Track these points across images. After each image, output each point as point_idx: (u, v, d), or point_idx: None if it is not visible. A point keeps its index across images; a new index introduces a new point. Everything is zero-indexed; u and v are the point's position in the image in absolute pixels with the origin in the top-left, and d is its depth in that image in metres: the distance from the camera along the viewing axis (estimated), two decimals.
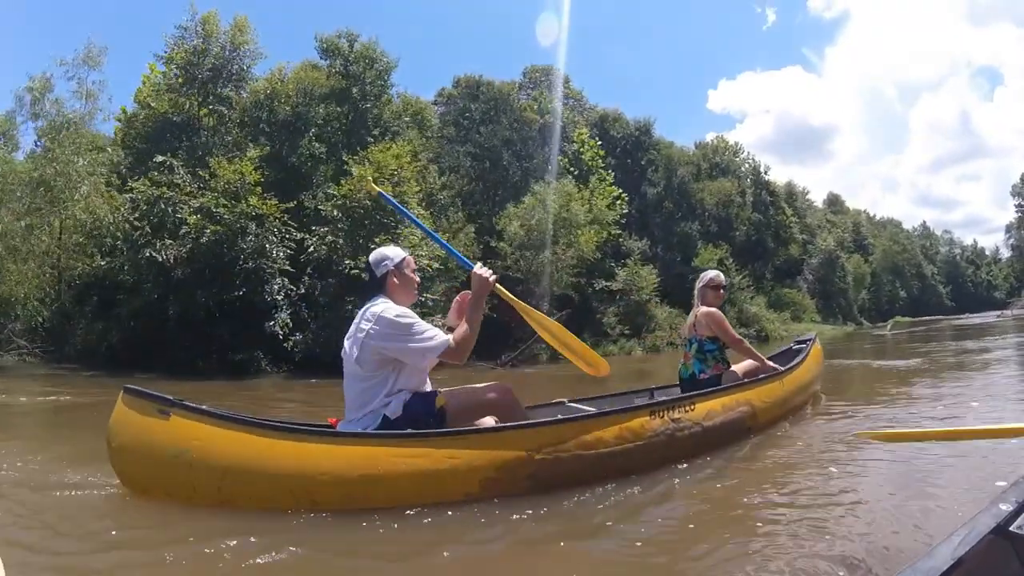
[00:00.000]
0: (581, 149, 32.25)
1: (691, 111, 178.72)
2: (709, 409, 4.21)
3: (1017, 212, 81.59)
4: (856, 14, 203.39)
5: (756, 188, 45.88)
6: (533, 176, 28.39)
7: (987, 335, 19.87)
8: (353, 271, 15.80)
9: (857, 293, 63.03)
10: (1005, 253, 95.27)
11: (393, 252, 3.50)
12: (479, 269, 3.55)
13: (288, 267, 16.76)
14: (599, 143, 33.19)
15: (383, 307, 3.28)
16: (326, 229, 17.20)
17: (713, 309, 5.09)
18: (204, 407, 3.14)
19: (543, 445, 3.33)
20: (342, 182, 17.52)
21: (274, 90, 21.81)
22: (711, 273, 5.33)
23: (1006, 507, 1.47)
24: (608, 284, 26.75)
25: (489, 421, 3.50)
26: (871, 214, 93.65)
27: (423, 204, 20.56)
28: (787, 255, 46.14)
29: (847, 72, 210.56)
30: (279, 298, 16.54)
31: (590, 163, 31.65)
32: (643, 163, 38.09)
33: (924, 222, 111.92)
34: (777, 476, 3.66)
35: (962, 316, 56.37)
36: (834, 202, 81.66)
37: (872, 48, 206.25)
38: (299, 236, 17.28)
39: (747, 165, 47.52)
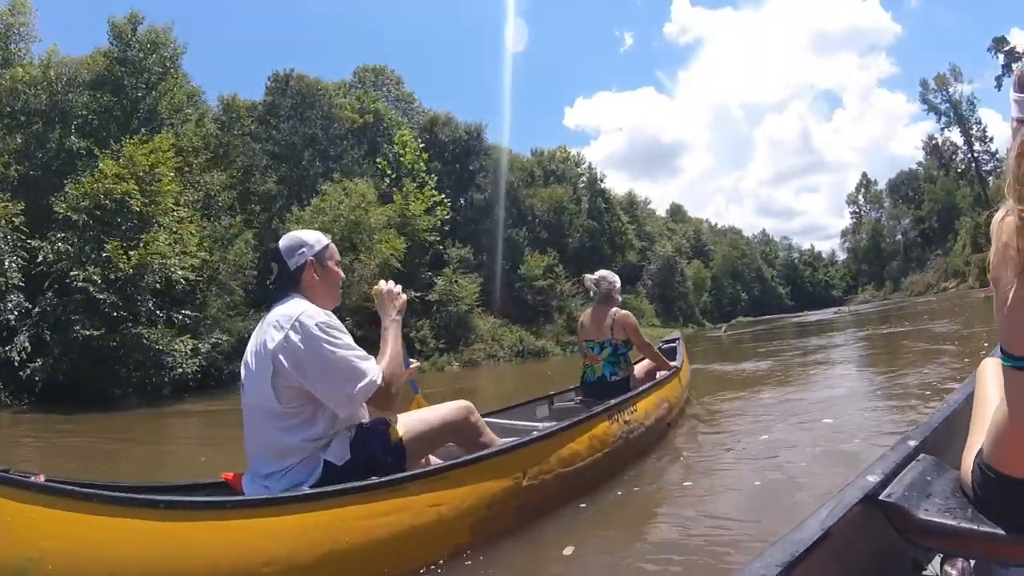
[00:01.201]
0: (402, 151, 30.94)
1: (549, 127, 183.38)
2: (646, 409, 4.33)
3: (852, 218, 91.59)
4: (709, 41, 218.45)
5: (592, 196, 46.14)
6: (334, 178, 27.07)
7: (827, 331, 20.69)
8: (81, 283, 13.97)
9: (698, 296, 65.09)
10: (841, 256, 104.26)
11: (313, 237, 2.77)
12: (382, 285, 2.96)
13: (20, 282, 14.56)
14: (421, 145, 32.06)
15: (302, 308, 2.50)
16: (62, 235, 15.08)
17: (629, 313, 5.18)
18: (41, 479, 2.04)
19: (527, 468, 3.03)
20: (83, 178, 15.46)
21: (32, 77, 19.37)
22: (615, 276, 5.40)
23: (874, 478, 1.60)
24: (421, 295, 25.09)
25: (451, 450, 3.14)
26: (713, 223, 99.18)
27: (193, 205, 18.80)
28: (625, 262, 46.65)
29: (698, 94, 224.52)
30: (11, 317, 14.39)
31: (412, 166, 30.42)
32: (472, 168, 37.20)
33: (764, 229, 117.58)
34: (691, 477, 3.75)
35: (801, 314, 59.14)
36: (676, 212, 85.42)
37: (722, 73, 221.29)
38: (34, 244, 15.05)
39: (586, 174, 47.91)
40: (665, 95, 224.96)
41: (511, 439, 3.25)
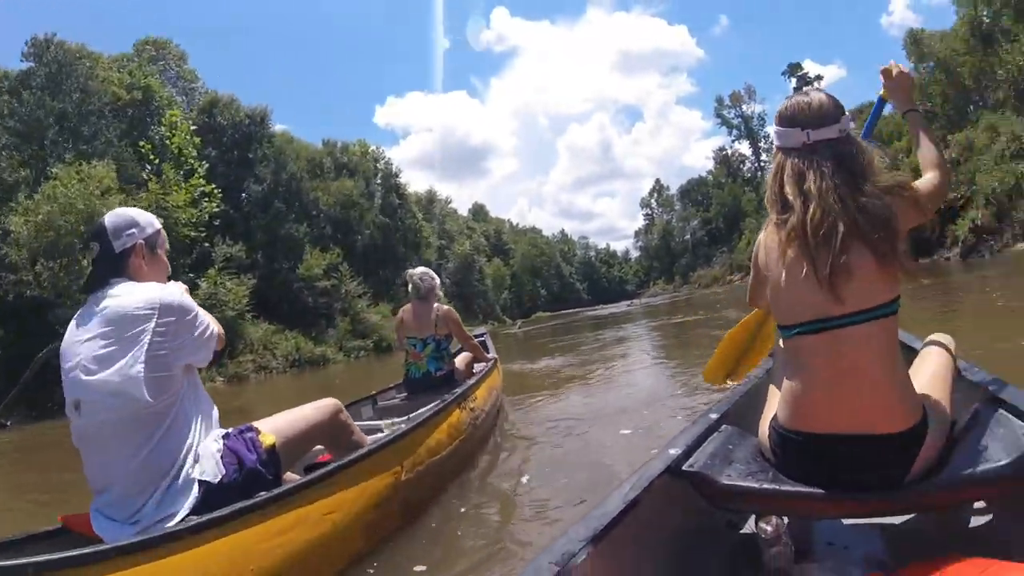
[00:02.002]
0: (170, 134, 26.83)
1: (358, 123, 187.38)
2: (484, 397, 4.57)
3: (645, 220, 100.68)
4: (523, 52, 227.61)
5: (386, 191, 43.61)
6: (66, 159, 22.88)
7: (622, 323, 21.25)
8: None
9: (498, 294, 65.31)
10: (635, 254, 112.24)
11: (144, 218, 2.47)
12: None
13: None
14: (193, 127, 28.13)
15: (154, 291, 2.24)
16: None
17: (451, 308, 5.32)
18: None
19: (403, 461, 3.03)
20: None
21: None
22: (434, 273, 5.42)
23: (676, 450, 1.75)
24: None
25: (320, 449, 3.02)
26: (515, 223, 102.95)
27: None
28: (421, 260, 44.88)
29: (508, 101, 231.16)
30: None
31: (178, 151, 26.39)
32: (251, 156, 33.38)
33: (563, 230, 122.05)
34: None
35: (597, 307, 61.90)
36: (479, 211, 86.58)
37: (533, 83, 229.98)
38: None
39: (382, 170, 45.29)
40: (477, 99, 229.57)
41: (376, 436, 3.32)
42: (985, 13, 30.59)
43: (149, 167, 24.88)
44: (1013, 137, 25.20)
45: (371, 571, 2.53)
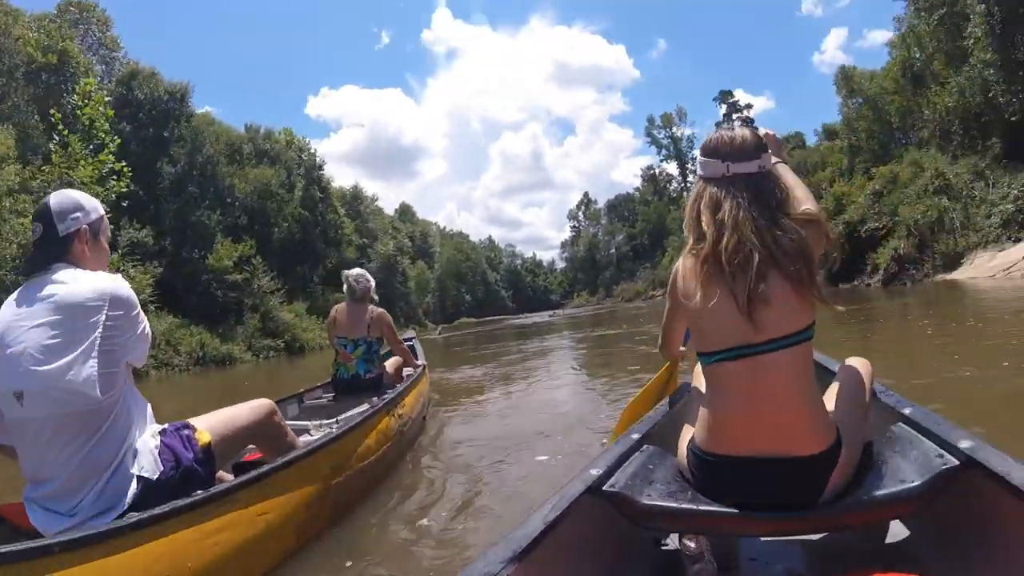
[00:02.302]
0: (82, 104, 24.84)
1: (288, 113, 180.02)
2: (412, 404, 4.57)
3: (572, 232, 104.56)
4: (462, 55, 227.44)
5: (308, 183, 41.61)
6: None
7: (546, 333, 21.45)
8: None
9: (421, 297, 64.56)
10: (560, 264, 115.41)
11: (90, 203, 2.39)
12: None
13: None
14: (108, 99, 26.07)
15: (105, 282, 2.21)
16: None
17: (385, 312, 5.30)
18: None
19: (334, 464, 3.10)
20: None
21: None
22: (371, 276, 5.43)
23: (597, 470, 1.76)
24: None
25: (250, 450, 3.11)
26: (442, 227, 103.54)
27: None
28: (341, 258, 43.10)
29: (443, 103, 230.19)
30: None
31: (88, 123, 24.40)
32: (166, 135, 31.11)
33: (490, 236, 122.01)
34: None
35: (521, 316, 62.74)
36: (405, 212, 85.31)
37: (469, 87, 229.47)
38: None
39: (307, 161, 43.37)
40: (412, 98, 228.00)
41: (304, 437, 3.45)
42: (918, 56, 31.55)
43: (58, 138, 23.00)
44: (937, 173, 25.88)
45: (302, 568, 2.63)
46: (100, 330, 2.11)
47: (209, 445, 2.47)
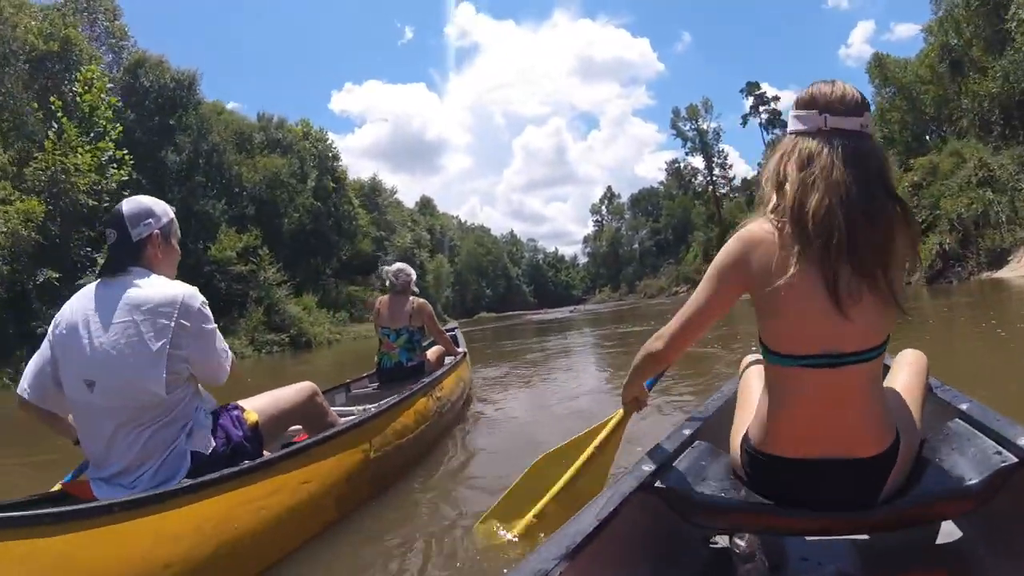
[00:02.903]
0: (83, 91, 23.96)
1: (311, 109, 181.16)
2: (451, 388, 4.83)
3: (595, 226, 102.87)
4: (485, 50, 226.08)
5: (321, 174, 40.10)
6: None
7: (567, 330, 21.08)
8: None
9: (440, 291, 63.40)
10: (583, 260, 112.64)
11: (160, 207, 2.60)
12: None
13: None
14: (110, 86, 25.19)
15: (177, 288, 2.42)
16: None
17: (426, 302, 5.53)
18: None
19: (372, 440, 3.30)
20: None
21: None
22: (411, 269, 5.70)
23: (649, 467, 1.75)
24: (58, 277, 17.86)
25: (297, 429, 3.35)
26: (464, 221, 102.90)
27: None
28: (356, 250, 42.13)
29: (466, 97, 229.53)
30: None
31: (89, 110, 23.52)
32: (172, 123, 30.15)
33: (512, 231, 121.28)
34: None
35: (541, 311, 62.09)
36: (426, 205, 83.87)
37: (492, 82, 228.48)
38: None
39: (324, 153, 42.11)
40: (435, 93, 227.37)
41: (350, 418, 3.44)
42: (956, 42, 30.49)
43: (57, 126, 22.15)
44: (981, 164, 24.67)
45: (342, 538, 2.77)
46: (170, 336, 2.28)
47: (256, 424, 2.70)
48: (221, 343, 2.49)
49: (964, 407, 1.83)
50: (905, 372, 1.86)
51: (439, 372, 4.81)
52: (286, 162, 36.53)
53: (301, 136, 40.96)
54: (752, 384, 1.87)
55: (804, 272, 1.41)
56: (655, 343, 1.73)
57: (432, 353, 5.68)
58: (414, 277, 5.57)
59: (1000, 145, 25.94)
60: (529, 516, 2.34)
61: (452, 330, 7.32)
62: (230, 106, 36.14)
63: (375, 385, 5.45)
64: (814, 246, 1.41)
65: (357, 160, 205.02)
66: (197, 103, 32.63)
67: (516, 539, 2.35)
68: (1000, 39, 25.79)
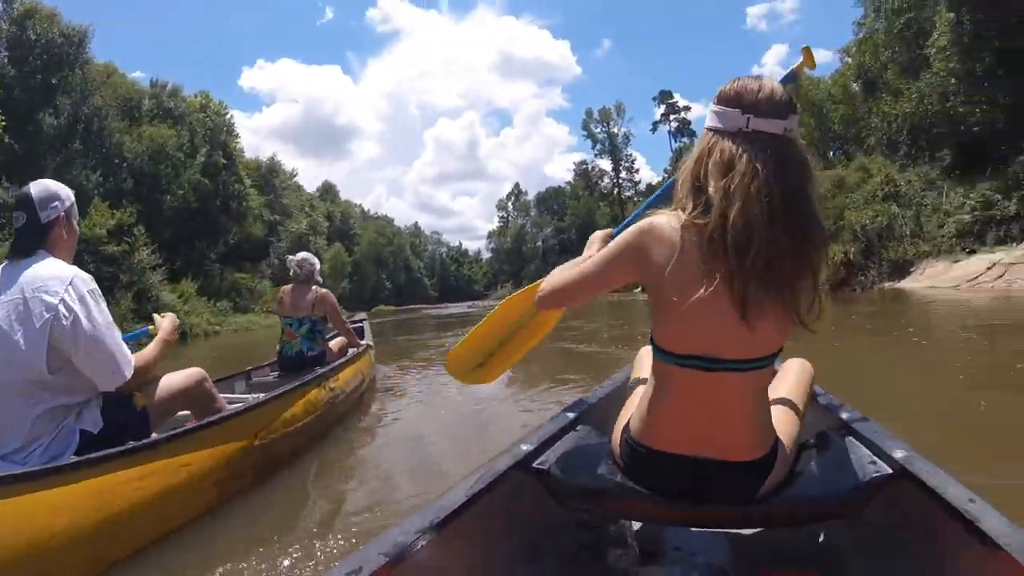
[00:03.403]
0: None
1: (220, 84, 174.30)
2: (347, 379, 4.91)
3: (500, 222, 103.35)
4: (406, 37, 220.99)
5: (213, 149, 37.05)
6: None
7: (470, 324, 19.85)
8: None
9: (337, 282, 61.22)
10: (486, 255, 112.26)
11: (64, 191, 2.74)
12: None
13: None
14: None
15: (70, 271, 2.55)
16: None
17: (329, 292, 5.55)
18: None
19: (258, 429, 3.37)
20: None
21: None
22: (315, 258, 5.71)
23: (527, 446, 1.77)
24: None
25: (186, 414, 3.42)
26: (367, 210, 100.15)
27: None
28: (246, 234, 39.57)
29: (382, 84, 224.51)
30: None
31: None
32: (55, 82, 27.36)
33: (416, 222, 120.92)
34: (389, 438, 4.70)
35: (440, 306, 61.97)
36: (328, 191, 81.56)
37: (410, 70, 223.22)
38: None
39: (221, 127, 39.28)
40: (350, 77, 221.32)
41: (237, 405, 3.46)
42: (873, 64, 31.83)
43: None
44: (888, 179, 25.89)
45: (222, 520, 2.89)
46: (54, 314, 2.38)
47: (144, 407, 2.84)
48: (114, 342, 2.55)
49: (845, 416, 1.92)
50: (790, 381, 1.89)
51: (335, 363, 4.94)
52: (174, 133, 33.83)
53: (198, 108, 38.29)
54: (641, 376, 1.89)
55: (709, 279, 1.38)
56: (538, 290, 1.82)
57: (335, 344, 5.80)
58: (318, 267, 5.63)
59: (906, 163, 27.24)
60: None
61: (359, 322, 7.63)
62: (135, 75, 33.05)
63: (276, 374, 5.46)
64: (728, 256, 1.37)
65: (263, 141, 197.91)
66: (84, 62, 29.97)
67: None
68: (916, 65, 26.87)
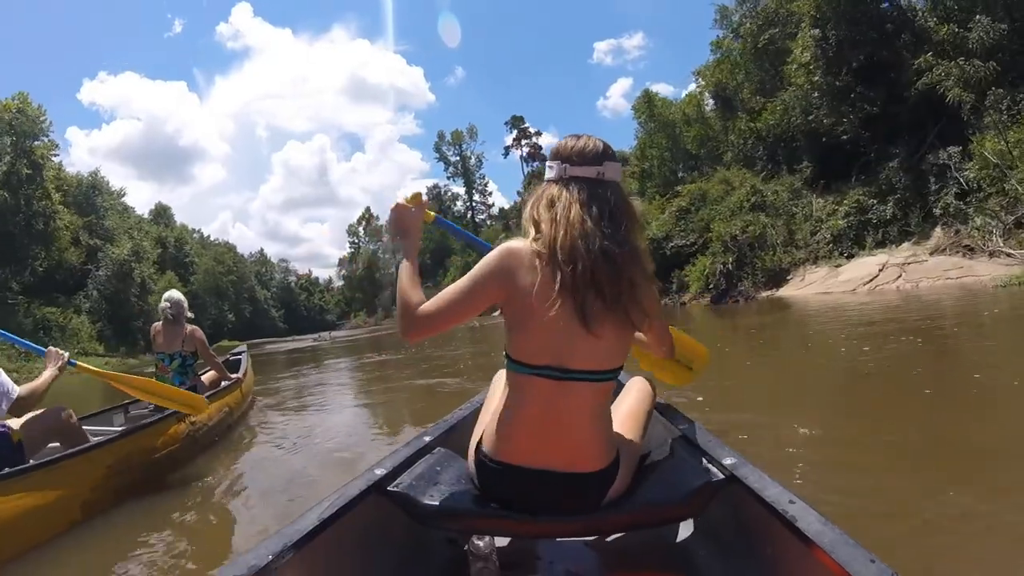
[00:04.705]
0: None
1: (57, 96, 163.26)
2: (210, 413, 5.34)
3: (351, 248, 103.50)
4: (256, 55, 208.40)
5: (16, 158, 32.17)
6: None
7: (323, 359, 20.22)
8: None
9: None
10: (338, 283, 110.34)
11: None
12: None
13: None
14: None
15: None
16: None
17: (198, 328, 6.02)
18: None
19: (117, 459, 3.99)
20: None
21: None
22: (183, 298, 6.13)
23: (382, 470, 1.81)
24: None
25: (56, 446, 3.93)
26: (207, 235, 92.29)
27: None
28: (57, 260, 34.90)
29: (229, 104, 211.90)
30: None
31: None
32: None
33: (261, 249, 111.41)
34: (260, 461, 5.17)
35: (286, 340, 58.04)
36: (161, 213, 74.30)
37: (259, 91, 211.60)
38: None
39: (26, 125, 33.83)
40: (196, 95, 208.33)
41: (99, 438, 4.11)
42: (730, 84, 33.62)
43: None
44: (753, 190, 26.87)
45: (84, 535, 3.49)
46: None
47: (20, 440, 3.56)
48: None
49: (683, 427, 2.07)
50: (633, 396, 2.07)
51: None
52: None
53: (14, 111, 33.39)
54: (496, 394, 2.00)
55: (556, 294, 1.57)
56: (408, 318, 1.78)
57: (207, 377, 6.29)
58: (186, 305, 6.03)
59: (768, 175, 28.37)
60: None
61: (239, 353, 8.21)
62: None
63: (151, 407, 5.54)
64: (564, 273, 1.58)
65: (101, 161, 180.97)
66: None
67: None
68: (772, 85, 28.80)
